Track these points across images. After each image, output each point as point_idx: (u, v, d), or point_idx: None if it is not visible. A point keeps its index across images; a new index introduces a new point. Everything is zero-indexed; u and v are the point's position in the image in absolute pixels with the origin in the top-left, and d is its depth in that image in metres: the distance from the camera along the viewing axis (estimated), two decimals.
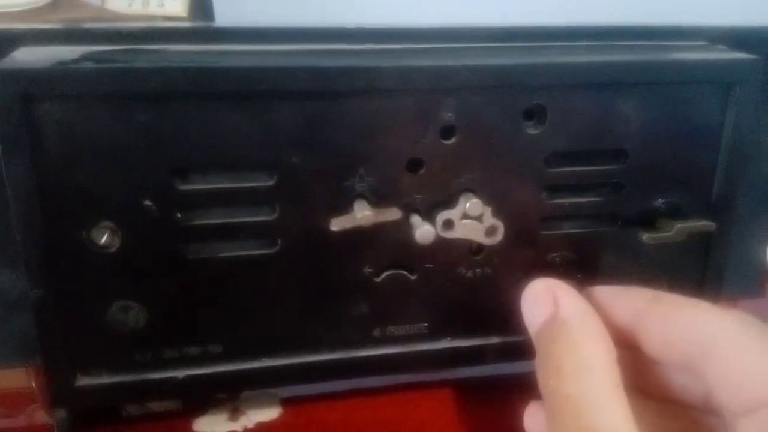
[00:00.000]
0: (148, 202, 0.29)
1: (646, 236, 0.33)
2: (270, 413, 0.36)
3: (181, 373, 0.31)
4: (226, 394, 0.36)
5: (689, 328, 0.24)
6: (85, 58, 0.27)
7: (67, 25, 0.30)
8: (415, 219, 0.31)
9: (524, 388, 0.28)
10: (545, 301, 0.27)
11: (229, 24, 0.33)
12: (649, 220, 0.34)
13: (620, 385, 0.23)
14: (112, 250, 0.29)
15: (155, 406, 0.36)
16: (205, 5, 0.35)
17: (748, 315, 0.24)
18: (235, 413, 0.36)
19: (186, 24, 0.34)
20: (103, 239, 0.29)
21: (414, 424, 0.36)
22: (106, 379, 0.31)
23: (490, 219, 0.31)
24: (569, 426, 0.22)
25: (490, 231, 0.32)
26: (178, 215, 0.29)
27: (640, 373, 0.27)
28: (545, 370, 0.25)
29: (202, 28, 0.32)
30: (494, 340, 0.35)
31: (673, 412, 0.27)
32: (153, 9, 0.40)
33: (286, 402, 0.36)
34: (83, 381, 0.31)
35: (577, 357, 0.24)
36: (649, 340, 0.25)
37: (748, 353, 0.22)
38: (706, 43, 0.35)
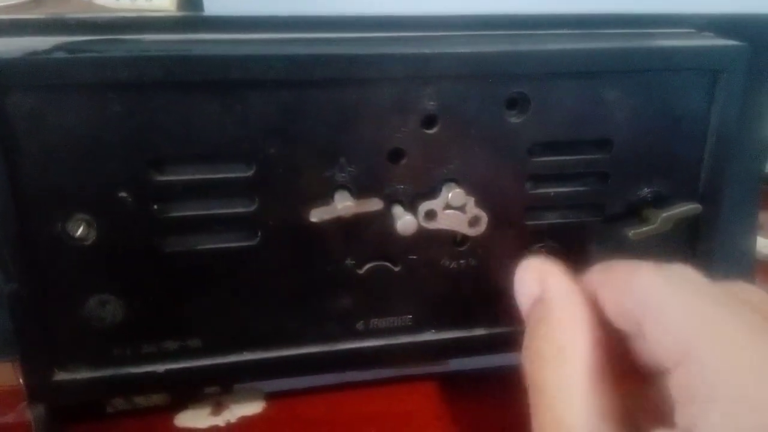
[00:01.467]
0: (123, 194, 0.28)
1: (631, 233, 0.33)
2: (253, 407, 0.35)
3: (161, 368, 0.31)
4: (209, 388, 0.36)
5: (631, 292, 0.23)
6: (57, 48, 0.27)
7: (44, 15, 0.30)
8: (397, 209, 0.31)
9: (510, 381, 0.28)
10: (534, 282, 0.26)
11: (210, 13, 0.33)
12: (634, 210, 0.33)
13: (595, 375, 0.22)
14: (88, 242, 0.29)
15: (141, 400, 0.36)
16: None
17: (684, 268, 0.23)
18: (218, 407, 0.35)
19: (164, 14, 0.34)
20: (79, 232, 0.28)
21: (399, 417, 0.35)
22: (84, 374, 0.30)
23: (473, 209, 0.31)
24: (542, 420, 0.22)
25: (474, 221, 0.31)
26: (155, 207, 0.29)
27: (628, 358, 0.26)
28: (528, 354, 0.24)
29: (180, 17, 0.32)
30: (479, 331, 0.34)
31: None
32: (140, 3, 0.39)
33: (269, 396, 0.36)
34: (61, 376, 0.30)
35: (555, 343, 0.23)
36: (608, 312, 0.24)
37: (670, 307, 0.21)
38: (693, 30, 0.34)
